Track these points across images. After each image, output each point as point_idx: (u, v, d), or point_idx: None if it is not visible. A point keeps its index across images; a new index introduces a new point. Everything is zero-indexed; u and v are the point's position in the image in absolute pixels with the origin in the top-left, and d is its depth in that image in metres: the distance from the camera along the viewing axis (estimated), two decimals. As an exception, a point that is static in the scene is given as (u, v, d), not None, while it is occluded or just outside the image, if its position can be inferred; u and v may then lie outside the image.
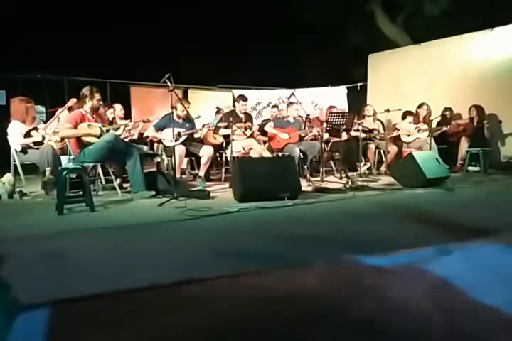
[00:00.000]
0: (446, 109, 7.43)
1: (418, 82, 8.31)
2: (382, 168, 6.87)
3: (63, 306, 0.60)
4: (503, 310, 0.60)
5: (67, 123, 4.41)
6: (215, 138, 6.35)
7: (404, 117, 7.30)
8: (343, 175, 5.94)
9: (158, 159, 5.42)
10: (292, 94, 6.36)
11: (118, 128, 5.02)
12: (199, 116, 6.09)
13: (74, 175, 4.12)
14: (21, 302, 0.60)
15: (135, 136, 5.84)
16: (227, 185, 5.21)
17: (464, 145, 6.96)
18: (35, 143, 4.86)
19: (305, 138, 6.49)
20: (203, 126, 5.81)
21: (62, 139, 4.88)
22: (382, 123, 7.32)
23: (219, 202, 4.13)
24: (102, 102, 4.69)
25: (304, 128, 6.64)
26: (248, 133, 5.96)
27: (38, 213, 3.72)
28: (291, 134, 6.24)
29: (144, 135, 5.93)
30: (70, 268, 2.08)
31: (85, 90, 4.60)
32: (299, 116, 6.77)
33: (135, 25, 12.98)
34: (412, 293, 0.63)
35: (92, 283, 1.79)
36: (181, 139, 5.28)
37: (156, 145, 5.98)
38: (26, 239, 2.67)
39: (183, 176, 6.28)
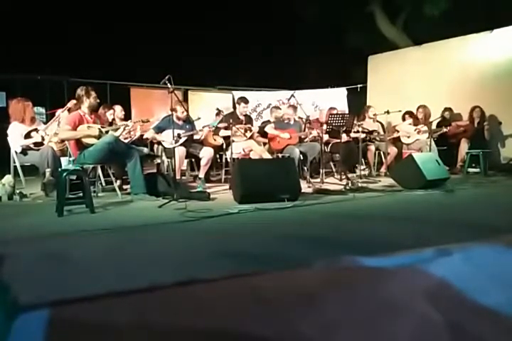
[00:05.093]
0: (446, 109, 7.44)
1: (418, 84, 8.32)
2: (382, 169, 6.87)
3: (63, 307, 0.60)
4: (503, 311, 0.60)
5: (66, 125, 4.42)
6: (215, 140, 6.35)
7: (403, 118, 7.31)
8: (343, 177, 5.94)
9: (159, 160, 5.42)
10: (292, 95, 6.37)
11: (117, 129, 5.02)
12: (199, 118, 6.09)
13: (74, 177, 4.12)
14: (21, 303, 0.60)
15: (135, 137, 5.84)
16: (227, 186, 5.21)
17: (463, 146, 6.96)
18: (35, 144, 4.87)
19: (305, 140, 6.49)
20: (203, 128, 5.82)
21: (62, 141, 4.89)
22: (382, 125, 7.32)
23: (219, 203, 4.13)
24: (98, 100, 4.68)
25: (304, 130, 6.65)
26: (248, 134, 5.96)
27: (38, 214, 3.72)
28: (291, 135, 6.25)
29: (144, 136, 5.94)
30: (70, 268, 2.08)
31: (80, 90, 4.61)
32: (299, 117, 6.77)
33: (135, 25, 13.01)
34: (412, 294, 0.63)
35: (92, 283, 1.79)
36: (181, 141, 5.28)
37: (156, 146, 5.99)
38: (26, 240, 2.67)
39: (183, 178, 6.28)
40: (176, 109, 5.34)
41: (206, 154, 5.30)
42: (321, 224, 3.21)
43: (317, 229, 3.02)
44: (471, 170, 6.73)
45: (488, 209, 3.73)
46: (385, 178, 6.04)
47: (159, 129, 5.45)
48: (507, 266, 0.71)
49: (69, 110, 5.02)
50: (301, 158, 6.08)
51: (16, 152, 4.90)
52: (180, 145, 5.23)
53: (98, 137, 4.42)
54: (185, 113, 5.51)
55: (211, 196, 4.37)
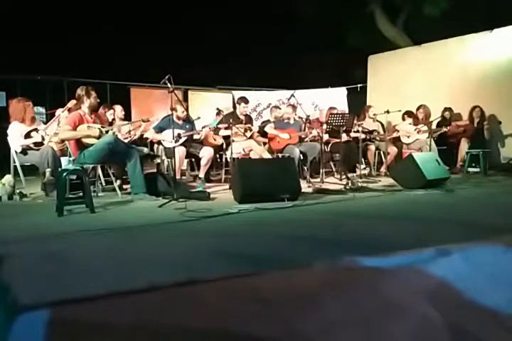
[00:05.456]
0: (446, 108, 7.44)
1: (418, 83, 8.31)
2: (382, 169, 6.86)
3: (63, 307, 0.60)
4: (503, 311, 0.60)
5: (66, 124, 4.42)
6: (214, 140, 6.35)
7: (403, 117, 7.31)
8: (343, 176, 5.94)
9: (159, 160, 5.42)
10: (292, 95, 6.37)
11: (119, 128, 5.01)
12: (199, 118, 6.10)
13: (74, 177, 4.12)
14: (21, 303, 0.60)
15: (135, 137, 5.85)
16: (227, 186, 5.21)
17: (463, 146, 6.96)
18: (35, 144, 4.87)
19: (305, 139, 6.49)
20: (203, 128, 5.82)
21: (63, 141, 4.89)
22: (382, 125, 7.33)
23: (219, 203, 4.13)
24: (98, 100, 4.69)
25: (304, 130, 6.65)
26: (248, 134, 5.96)
27: (38, 214, 3.72)
28: (291, 135, 6.25)
29: (144, 136, 5.94)
30: (70, 268, 2.08)
31: (80, 90, 4.60)
32: (299, 117, 6.77)
33: (135, 25, 13.00)
34: (412, 294, 0.63)
35: (92, 283, 1.79)
36: (181, 140, 5.29)
37: (156, 146, 5.99)
38: (26, 240, 2.67)
39: (183, 177, 6.28)
40: (176, 108, 5.34)
41: (206, 154, 5.30)
42: (321, 224, 3.20)
43: (317, 229, 3.01)
44: (471, 169, 6.73)
45: (488, 209, 3.73)
46: (385, 178, 6.04)
47: (159, 129, 5.45)
48: (507, 266, 0.71)
49: (69, 110, 5.02)
50: (301, 157, 6.08)
51: (16, 152, 4.90)
52: (180, 145, 5.23)
53: (98, 137, 4.42)
54: (185, 112, 5.52)
55: (211, 196, 4.37)
